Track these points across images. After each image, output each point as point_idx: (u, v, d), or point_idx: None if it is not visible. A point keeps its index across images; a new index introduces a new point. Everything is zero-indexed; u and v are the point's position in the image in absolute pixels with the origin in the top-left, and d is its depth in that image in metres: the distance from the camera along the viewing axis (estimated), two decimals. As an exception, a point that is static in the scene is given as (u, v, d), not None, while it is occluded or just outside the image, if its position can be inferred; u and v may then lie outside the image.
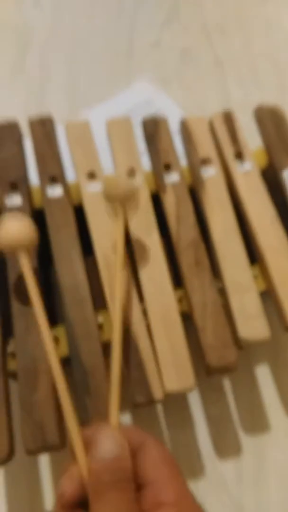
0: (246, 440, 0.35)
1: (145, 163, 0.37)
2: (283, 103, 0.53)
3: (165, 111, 0.51)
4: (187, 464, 0.34)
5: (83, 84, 0.54)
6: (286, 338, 0.38)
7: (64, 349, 0.30)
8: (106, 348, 0.30)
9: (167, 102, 0.53)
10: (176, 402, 0.36)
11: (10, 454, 0.26)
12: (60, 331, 0.31)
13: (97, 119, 0.39)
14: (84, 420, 0.27)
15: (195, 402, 0.36)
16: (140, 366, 0.29)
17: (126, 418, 0.35)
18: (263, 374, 0.37)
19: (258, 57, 0.57)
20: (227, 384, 0.37)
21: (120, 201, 0.30)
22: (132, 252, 0.33)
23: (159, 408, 0.36)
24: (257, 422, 0.36)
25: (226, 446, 0.35)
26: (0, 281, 0.32)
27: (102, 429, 0.24)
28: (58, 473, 0.34)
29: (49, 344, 0.26)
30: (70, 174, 0.36)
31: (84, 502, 0.22)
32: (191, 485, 0.28)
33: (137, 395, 0.28)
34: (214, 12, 0.60)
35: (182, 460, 0.34)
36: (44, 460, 0.34)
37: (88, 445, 0.24)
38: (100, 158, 0.36)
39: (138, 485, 0.23)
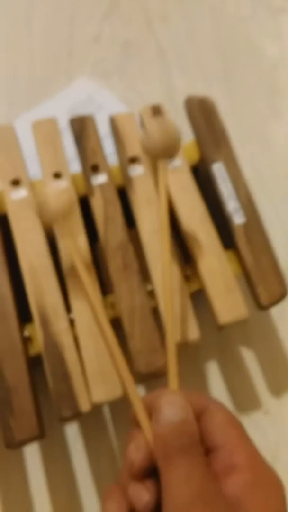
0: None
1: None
2: (229, 91, 0.52)
3: (107, 107, 0.50)
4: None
5: (22, 84, 0.52)
6: (229, 335, 0.38)
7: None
8: (36, 361, 0.29)
9: (109, 98, 0.51)
10: (124, 407, 0.36)
11: None
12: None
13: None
14: (8, 441, 0.26)
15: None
16: (66, 378, 0.28)
17: (73, 428, 0.35)
18: (211, 371, 0.37)
19: (203, 46, 0.55)
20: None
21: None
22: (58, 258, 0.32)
23: (107, 415, 0.35)
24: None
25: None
26: None
27: (163, 394, 0.23)
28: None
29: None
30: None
31: (153, 470, 0.22)
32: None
33: (63, 409, 0.27)
34: (156, 0, 0.59)
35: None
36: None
37: (150, 412, 0.23)
38: (27, 164, 0.35)
39: (206, 449, 0.22)
